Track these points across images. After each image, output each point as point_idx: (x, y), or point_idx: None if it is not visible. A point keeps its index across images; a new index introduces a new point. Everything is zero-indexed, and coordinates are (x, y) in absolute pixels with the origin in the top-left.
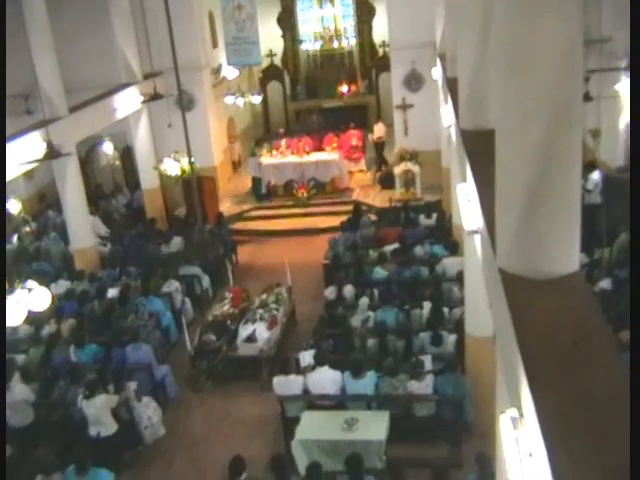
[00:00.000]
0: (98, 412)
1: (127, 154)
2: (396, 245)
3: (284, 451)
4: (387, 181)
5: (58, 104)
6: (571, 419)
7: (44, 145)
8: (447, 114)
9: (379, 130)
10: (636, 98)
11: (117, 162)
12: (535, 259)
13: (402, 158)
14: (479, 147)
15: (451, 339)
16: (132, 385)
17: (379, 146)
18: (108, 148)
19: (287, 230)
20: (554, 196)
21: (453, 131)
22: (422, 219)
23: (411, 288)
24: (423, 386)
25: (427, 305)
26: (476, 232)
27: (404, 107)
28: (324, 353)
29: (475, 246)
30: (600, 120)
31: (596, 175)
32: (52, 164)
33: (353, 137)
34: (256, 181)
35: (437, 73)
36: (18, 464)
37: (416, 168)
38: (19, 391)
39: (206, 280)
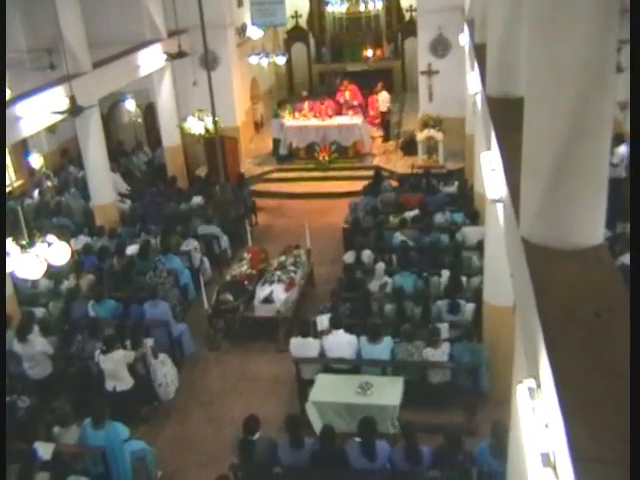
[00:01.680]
0: (115, 367)
1: (149, 112)
2: (416, 212)
3: (298, 412)
4: (409, 147)
5: (82, 59)
6: (590, 391)
7: (67, 100)
8: (473, 81)
9: (383, 100)
10: (636, 98)
11: (139, 119)
12: (559, 229)
13: (425, 124)
14: (505, 115)
15: (469, 307)
16: (149, 341)
17: (385, 116)
18: (130, 105)
19: (307, 193)
20: (582, 165)
21: (479, 98)
22: (443, 186)
23: (430, 255)
24: (439, 353)
25: (446, 273)
26: (499, 201)
27: (429, 73)
28: (341, 316)
29: (497, 215)
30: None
31: (622, 149)
32: (75, 120)
33: (376, 102)
34: (278, 143)
35: (464, 39)
36: (36, 414)
37: (439, 135)
38: (38, 343)
39: (225, 240)
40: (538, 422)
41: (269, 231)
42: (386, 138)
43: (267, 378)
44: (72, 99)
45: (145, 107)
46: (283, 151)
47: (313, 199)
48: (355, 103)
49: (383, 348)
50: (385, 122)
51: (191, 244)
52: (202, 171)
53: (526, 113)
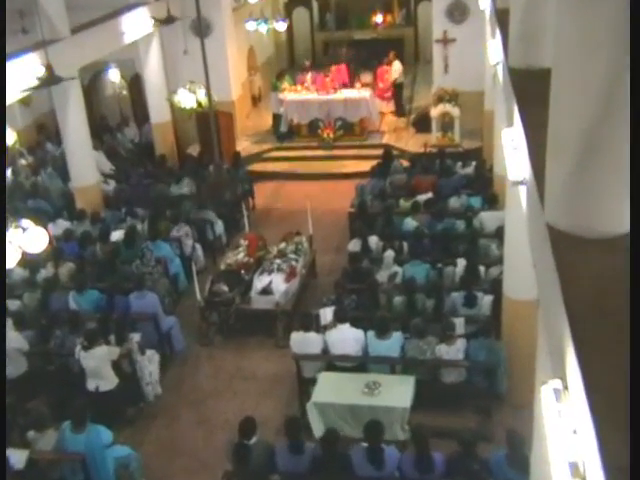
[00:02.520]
0: (97, 364)
1: (135, 83)
2: (429, 195)
3: (298, 413)
4: (422, 124)
5: (59, 23)
6: (623, 393)
7: (43, 69)
8: (494, 50)
9: (395, 70)
10: (636, 97)
11: (124, 92)
12: (589, 215)
13: (440, 99)
14: (530, 88)
15: (486, 301)
16: (135, 336)
17: (398, 89)
18: (114, 76)
19: (310, 174)
20: (616, 145)
21: (500, 70)
22: (459, 167)
23: (444, 243)
24: (453, 350)
25: (461, 262)
26: (521, 183)
27: (445, 41)
28: (346, 309)
29: (519, 199)
30: None
31: None
32: (52, 91)
33: (387, 73)
34: (277, 119)
35: (484, 3)
36: (10, 418)
37: (455, 110)
38: (11, 339)
39: (219, 225)
40: (565, 428)
41: (268, 216)
42: (399, 114)
43: (264, 376)
44: (48, 68)
45: (131, 78)
46: (283, 128)
47: (316, 181)
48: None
49: (392, 344)
50: (398, 96)
51: (182, 230)
52: (194, 150)
53: (553, 86)
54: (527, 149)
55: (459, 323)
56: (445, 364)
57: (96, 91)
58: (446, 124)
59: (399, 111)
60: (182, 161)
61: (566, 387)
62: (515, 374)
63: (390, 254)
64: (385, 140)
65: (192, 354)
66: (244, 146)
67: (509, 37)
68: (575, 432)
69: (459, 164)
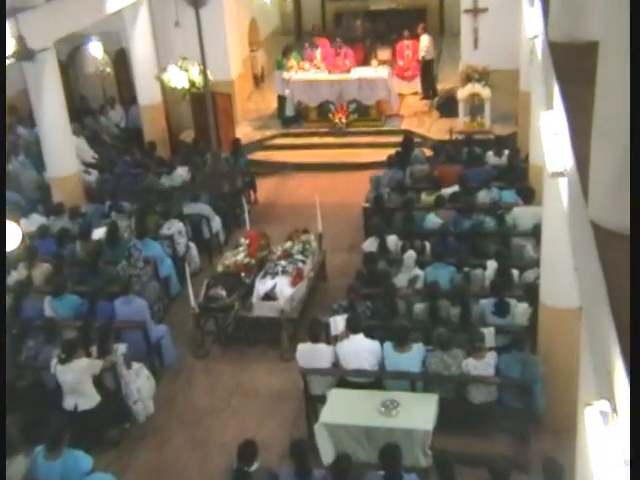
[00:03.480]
0: (77, 379)
1: (121, 59)
2: (455, 188)
3: (306, 436)
4: (447, 107)
5: None
6: None
7: (12, 41)
8: (532, 22)
9: (425, 45)
10: (636, 97)
11: (108, 69)
12: None
13: (469, 78)
14: (573, 64)
15: (520, 309)
16: (121, 348)
17: (426, 67)
18: (96, 51)
19: (319, 164)
20: None
21: (538, 44)
22: (490, 157)
23: (472, 242)
24: (482, 365)
25: (491, 265)
26: (562, 174)
27: (475, 12)
28: (360, 317)
29: (558, 193)
30: None
31: None
32: (23, 67)
33: (407, 49)
34: (282, 101)
35: None
36: None
37: (486, 91)
38: None
39: (217, 221)
40: (613, 457)
41: (271, 211)
42: (427, 95)
43: (267, 393)
44: (19, 39)
45: (115, 54)
46: (289, 112)
47: (326, 171)
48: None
49: (412, 357)
50: (427, 75)
51: (174, 227)
52: (188, 136)
53: (600, 62)
54: (569, 135)
55: (489, 334)
56: (473, 380)
57: (75, 68)
58: (475, 107)
59: (427, 92)
60: (174, 149)
61: (614, 410)
62: (554, 393)
63: (410, 255)
64: (405, 125)
65: (185, 367)
66: (245, 132)
67: (550, 6)
68: (626, 463)
69: (490, 153)
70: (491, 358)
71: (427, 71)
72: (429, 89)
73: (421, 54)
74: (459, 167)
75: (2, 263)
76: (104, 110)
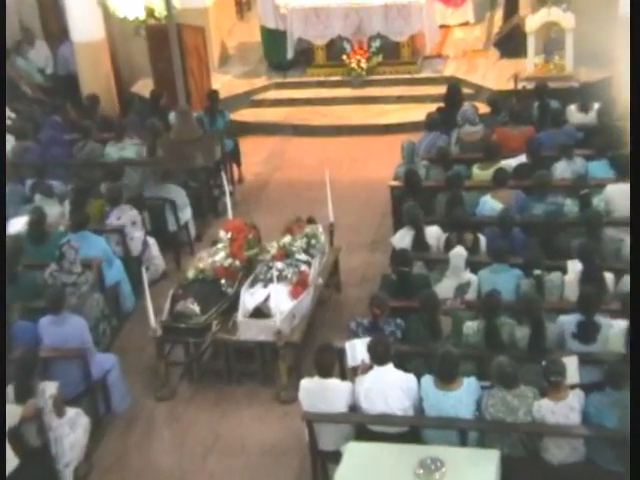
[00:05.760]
0: None
1: None
2: (522, 158)
3: None
4: (511, 43)
5: None
6: None
7: None
8: None
9: None
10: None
11: None
12: None
13: (542, 1)
14: None
15: (616, 329)
16: (49, 387)
17: None
18: None
19: (329, 126)
20: None
21: None
22: (572, 113)
23: (546, 235)
24: (563, 409)
25: (574, 266)
26: None
27: None
28: (388, 341)
29: None
30: None
31: None
32: None
33: None
34: (276, 38)
35: None
36: None
37: (568, 19)
38: None
39: (187, 209)
40: None
41: (263, 193)
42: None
43: (258, 450)
44: None
45: None
46: (290, 54)
47: (339, 136)
48: None
49: (462, 397)
50: None
51: (126, 215)
52: (144, 87)
53: None
54: None
55: (571, 365)
56: (550, 432)
57: None
58: (551, 43)
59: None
60: (125, 105)
61: None
62: None
63: (458, 253)
64: (450, 71)
65: (142, 414)
66: (225, 82)
67: None
68: None
69: (572, 108)
70: (575, 399)
71: None
72: (509, 10)
73: None
74: (527, 129)
75: (2, 262)
76: (21, 49)
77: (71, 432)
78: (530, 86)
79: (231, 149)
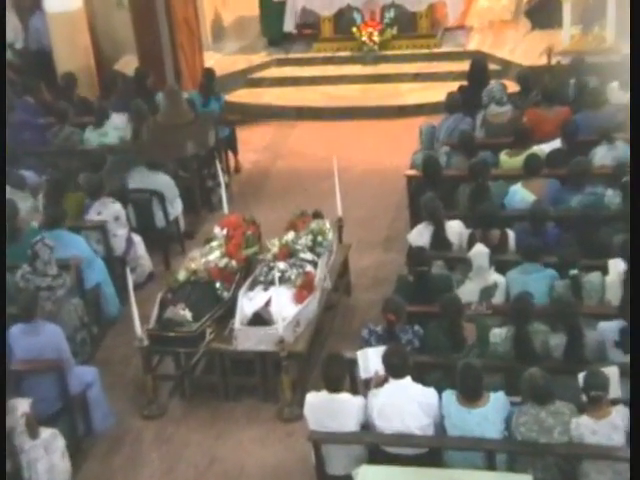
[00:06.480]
0: None
1: None
2: (556, 143)
3: None
4: (544, 13)
5: None
6: None
7: None
8: None
9: None
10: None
11: None
12: None
13: None
14: None
15: None
16: (21, 404)
17: None
18: None
19: (337, 108)
20: None
21: None
22: (614, 91)
23: (584, 230)
24: (605, 428)
25: (615, 266)
26: None
27: None
28: (404, 351)
29: None
30: None
31: None
32: None
33: None
34: (277, 8)
35: None
36: None
37: None
38: None
39: (177, 202)
40: None
41: (263, 184)
42: None
43: (258, 474)
44: None
45: None
46: (288, 26)
47: (348, 120)
48: None
49: (488, 415)
50: None
51: (108, 210)
52: (127, 64)
53: None
54: None
55: (614, 376)
56: (590, 454)
57: None
58: (590, 11)
59: None
60: (106, 85)
61: None
62: None
63: (479, 251)
64: (475, 45)
65: (127, 435)
66: (219, 58)
67: None
68: None
69: (613, 85)
70: (618, 417)
71: None
72: None
73: None
74: (562, 110)
75: (2, 263)
76: None
77: (45, 455)
78: (565, 61)
79: (227, 135)
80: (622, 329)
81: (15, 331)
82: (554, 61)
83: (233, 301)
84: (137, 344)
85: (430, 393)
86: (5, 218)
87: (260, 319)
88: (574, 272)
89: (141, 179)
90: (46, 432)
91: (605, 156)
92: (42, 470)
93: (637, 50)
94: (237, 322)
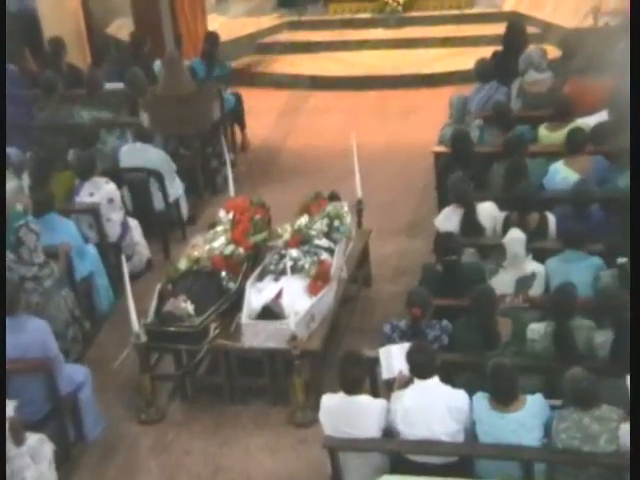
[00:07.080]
0: None
1: None
2: (603, 116)
3: None
4: None
5: None
6: None
7: None
8: None
9: None
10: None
11: None
12: None
13: None
14: None
15: None
16: (7, 407)
17: None
18: None
19: (356, 77)
20: None
21: None
22: None
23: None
24: None
25: None
26: None
27: None
28: (431, 349)
29: None
30: None
31: None
32: None
33: None
34: None
35: None
36: None
37: None
38: None
39: (177, 183)
40: None
41: (273, 162)
42: None
43: None
44: None
45: None
46: None
47: (369, 90)
48: None
49: (525, 420)
50: None
51: (101, 191)
52: (121, 29)
53: None
54: None
55: None
56: None
57: None
58: None
59: None
60: (98, 52)
61: None
62: None
63: (514, 237)
64: (511, 5)
65: (122, 441)
66: (223, 22)
67: None
68: None
69: None
70: None
71: None
72: None
73: None
74: (609, 79)
75: (2, 261)
76: None
77: (32, 464)
78: (614, 22)
79: (233, 107)
80: None
81: None
82: (601, 22)
83: (240, 293)
84: (133, 340)
85: (460, 396)
86: (5, 216)
87: (270, 313)
88: (622, 261)
89: (136, 156)
90: (33, 438)
91: None
92: (27, 478)
93: (637, 50)
94: (244, 316)
